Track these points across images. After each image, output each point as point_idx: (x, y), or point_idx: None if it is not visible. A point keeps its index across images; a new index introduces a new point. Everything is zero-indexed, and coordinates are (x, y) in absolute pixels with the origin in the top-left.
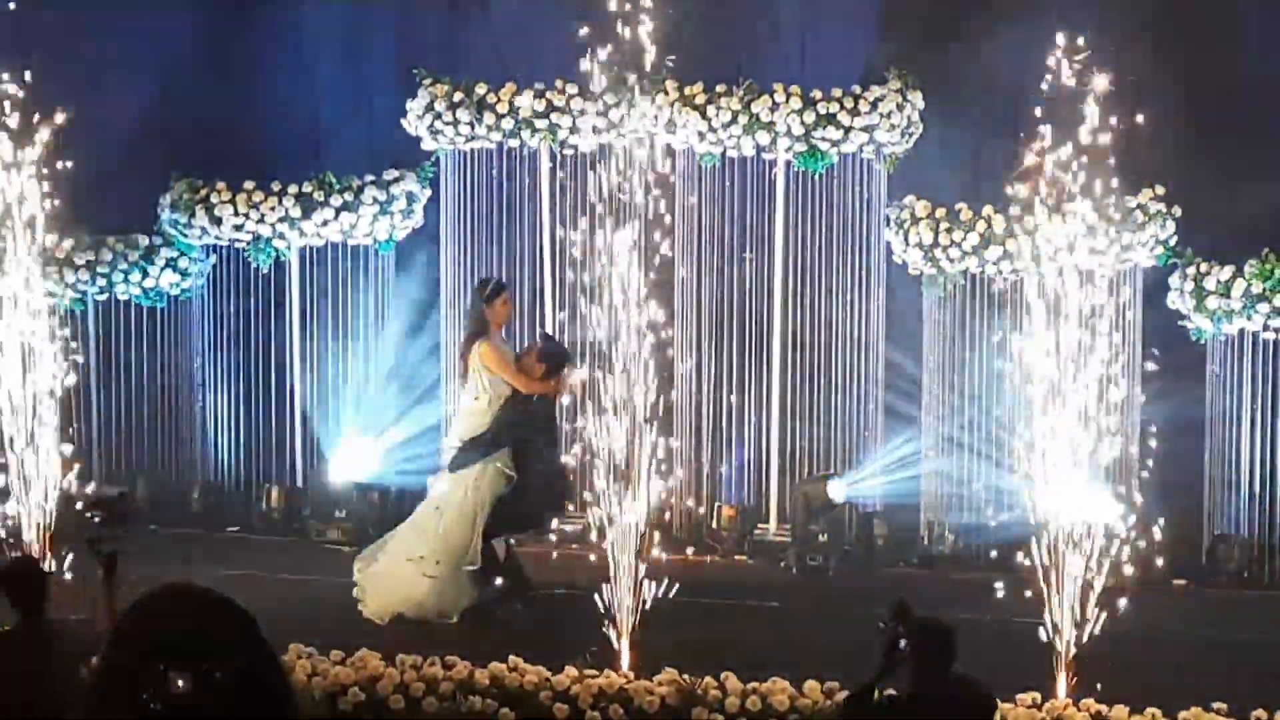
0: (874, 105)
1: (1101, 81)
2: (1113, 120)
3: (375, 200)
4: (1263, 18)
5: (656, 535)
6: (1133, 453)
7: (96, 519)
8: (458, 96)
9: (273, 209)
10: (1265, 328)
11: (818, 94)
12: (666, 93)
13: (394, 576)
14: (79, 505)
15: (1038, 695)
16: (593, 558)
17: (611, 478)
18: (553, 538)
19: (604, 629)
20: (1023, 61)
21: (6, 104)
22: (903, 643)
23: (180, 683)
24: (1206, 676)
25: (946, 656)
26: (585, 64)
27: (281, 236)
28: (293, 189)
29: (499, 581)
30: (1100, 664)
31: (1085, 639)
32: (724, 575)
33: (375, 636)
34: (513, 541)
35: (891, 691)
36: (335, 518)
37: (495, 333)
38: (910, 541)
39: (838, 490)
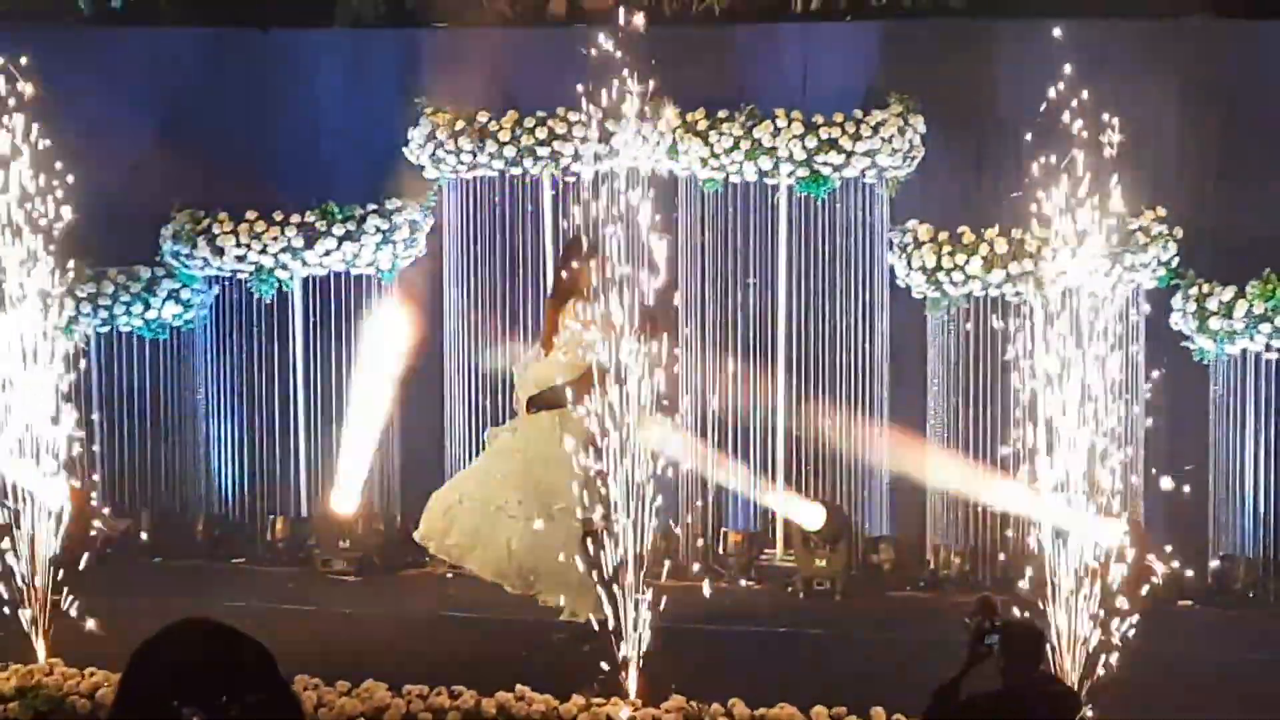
0: (875, 129)
1: (1101, 103)
2: (1114, 142)
3: (378, 229)
4: (1263, 37)
5: (664, 562)
6: (1136, 475)
7: None
8: (459, 125)
9: (275, 239)
10: (1268, 348)
11: (819, 119)
12: (668, 119)
13: (480, 521)
14: None
15: None
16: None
17: (619, 502)
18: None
19: (609, 655)
20: (1024, 83)
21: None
22: (988, 639)
23: (195, 719)
24: (1213, 698)
25: (1035, 656)
26: (588, 91)
27: (284, 267)
28: (295, 219)
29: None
30: (1106, 686)
31: (1091, 661)
32: (730, 601)
33: (382, 667)
34: None
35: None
36: (340, 548)
37: (585, 293)
38: (917, 565)
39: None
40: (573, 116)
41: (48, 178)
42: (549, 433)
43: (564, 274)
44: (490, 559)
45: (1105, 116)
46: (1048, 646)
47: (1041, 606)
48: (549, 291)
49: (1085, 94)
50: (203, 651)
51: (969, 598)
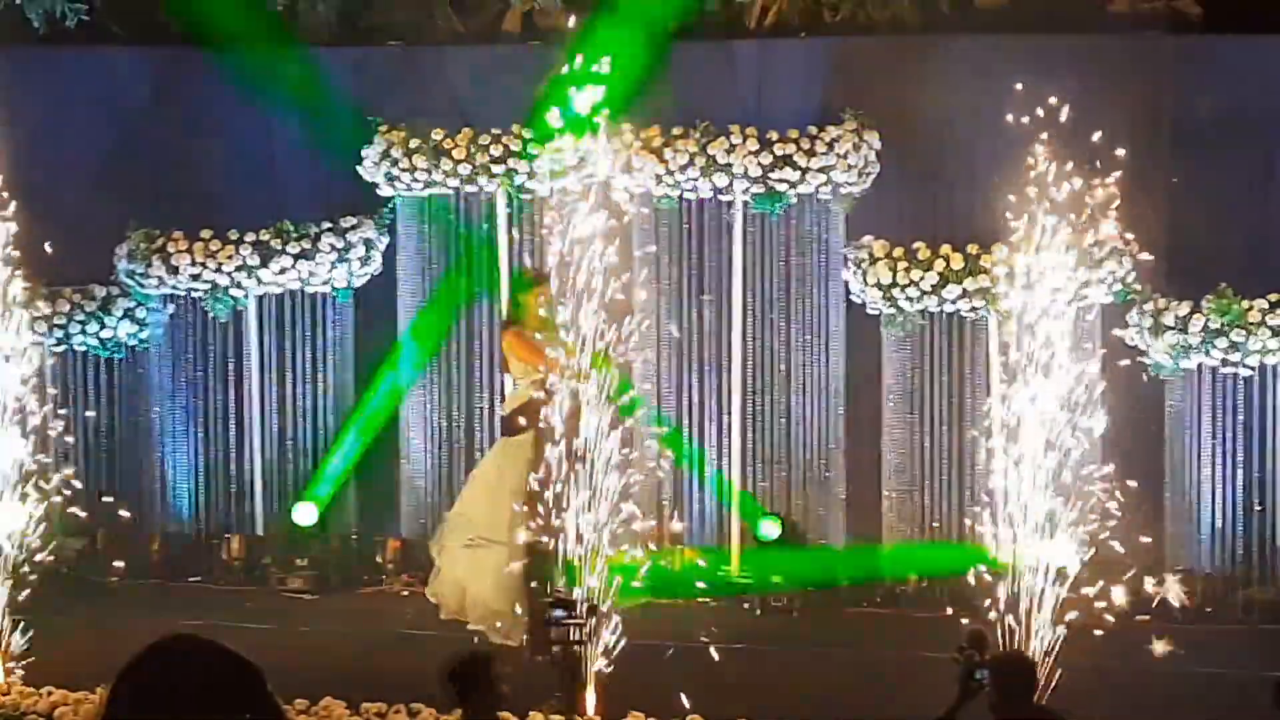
0: (830, 146)
1: (1056, 118)
2: (1068, 157)
3: (333, 247)
4: (1216, 53)
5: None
6: (1093, 490)
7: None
8: (414, 143)
9: (230, 258)
10: (1223, 363)
11: (774, 135)
12: (623, 136)
13: (454, 567)
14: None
15: None
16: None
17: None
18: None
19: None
20: (978, 100)
21: None
22: (979, 673)
23: None
24: (1170, 713)
25: (1027, 690)
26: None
27: (239, 285)
28: (250, 237)
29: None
30: (1064, 702)
31: (1048, 678)
32: (687, 617)
33: (339, 685)
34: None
35: None
36: (296, 566)
37: (535, 325)
38: (873, 581)
39: None
40: (527, 134)
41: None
42: (495, 462)
43: (513, 303)
44: (445, 594)
45: (1059, 132)
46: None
47: (997, 622)
48: (501, 320)
49: (1039, 110)
50: (191, 668)
51: (925, 614)
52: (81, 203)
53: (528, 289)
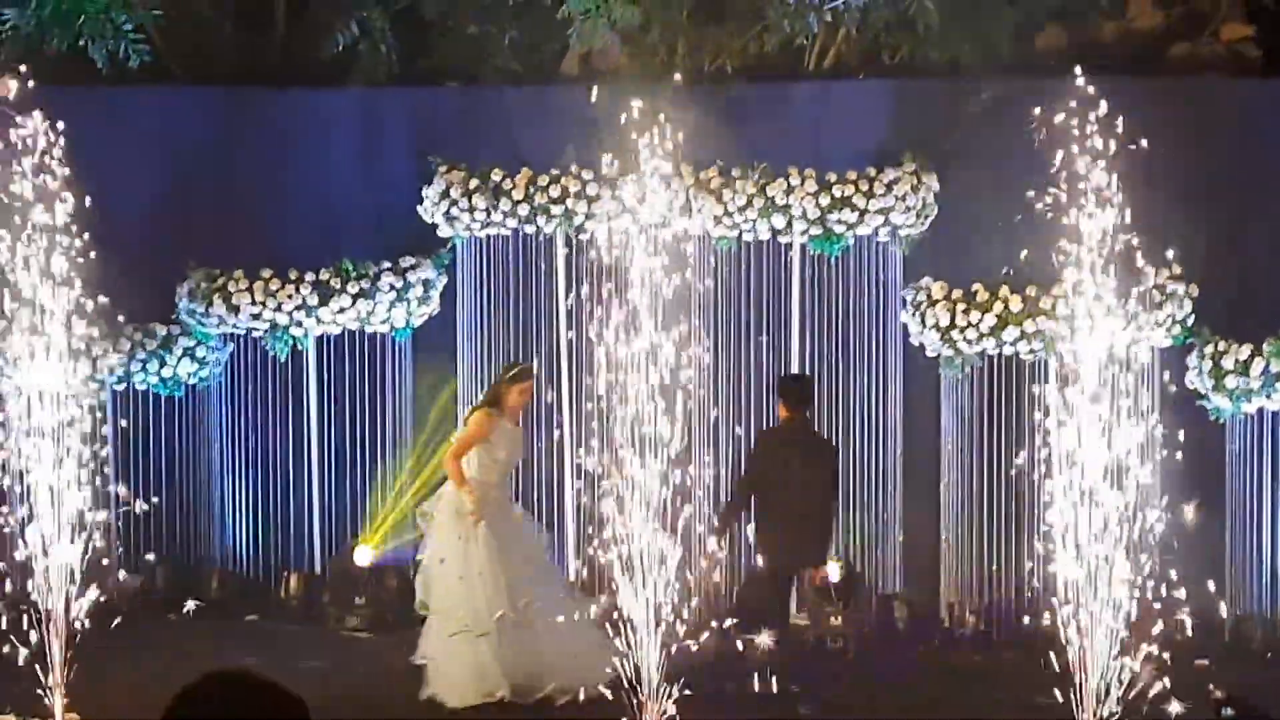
0: (889, 187)
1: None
2: (1127, 198)
3: (392, 287)
4: (1277, 94)
5: (679, 620)
6: (1154, 533)
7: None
8: (473, 183)
9: (290, 297)
10: None
11: (832, 177)
12: (682, 177)
13: (449, 658)
14: None
15: None
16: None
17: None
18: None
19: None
20: (1037, 141)
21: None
22: None
23: None
24: None
25: None
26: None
27: (298, 324)
28: (309, 277)
29: None
30: None
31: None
32: (743, 658)
33: None
34: None
35: None
36: (354, 605)
37: (509, 415)
38: (931, 623)
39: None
40: (586, 175)
41: (67, 235)
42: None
43: (494, 389)
44: (457, 684)
45: (1119, 174)
46: None
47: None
48: (484, 395)
49: (1099, 151)
50: (238, 704)
51: (984, 656)
52: (143, 242)
53: (514, 381)
